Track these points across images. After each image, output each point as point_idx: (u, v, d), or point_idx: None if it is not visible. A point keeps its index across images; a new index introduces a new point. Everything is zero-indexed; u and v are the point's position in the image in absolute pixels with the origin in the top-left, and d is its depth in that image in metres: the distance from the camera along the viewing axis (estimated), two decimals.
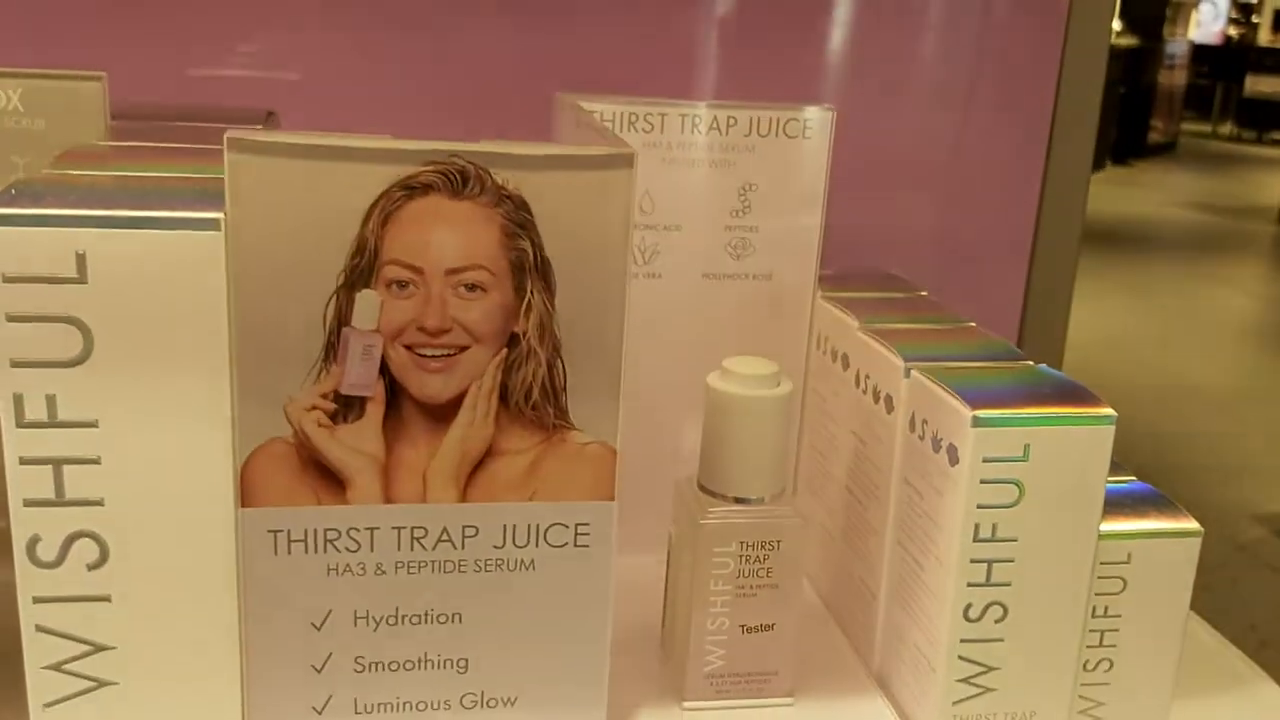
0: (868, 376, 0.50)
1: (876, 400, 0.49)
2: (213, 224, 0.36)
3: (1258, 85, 7.71)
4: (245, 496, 0.38)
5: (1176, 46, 7.47)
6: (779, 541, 0.46)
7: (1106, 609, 0.44)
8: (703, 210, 0.55)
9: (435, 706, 0.41)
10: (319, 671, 0.40)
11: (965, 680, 0.43)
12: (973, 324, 0.52)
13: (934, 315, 0.54)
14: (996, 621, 0.43)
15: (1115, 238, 5.25)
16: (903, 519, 0.47)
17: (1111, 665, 0.45)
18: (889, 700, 0.48)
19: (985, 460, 0.41)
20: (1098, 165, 6.39)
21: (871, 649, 0.50)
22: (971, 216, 0.81)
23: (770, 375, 0.46)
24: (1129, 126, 6.65)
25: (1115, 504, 0.45)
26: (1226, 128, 8.09)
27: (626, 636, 0.51)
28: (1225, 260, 4.71)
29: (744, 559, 0.46)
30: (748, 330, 0.55)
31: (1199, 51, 7.96)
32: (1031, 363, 0.47)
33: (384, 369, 0.38)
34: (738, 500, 0.46)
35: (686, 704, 0.47)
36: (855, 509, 0.51)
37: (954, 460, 0.42)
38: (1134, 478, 0.48)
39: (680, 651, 0.47)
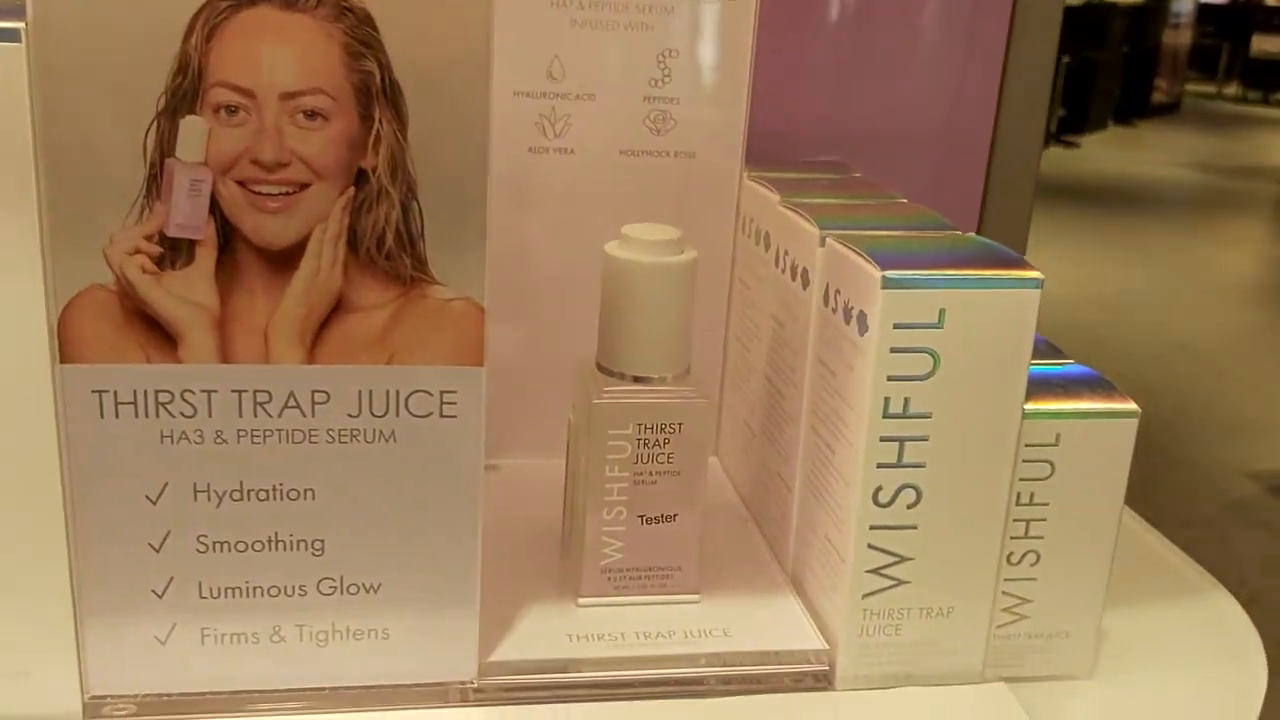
0: (787, 252, 0.46)
1: (794, 276, 0.45)
2: (11, 35, 0.32)
3: (1264, 45, 7.60)
4: (64, 351, 0.34)
5: (1182, 5, 7.35)
6: (680, 424, 0.42)
7: (1033, 496, 0.40)
8: (618, 79, 0.50)
9: (289, 592, 0.37)
10: (157, 551, 0.36)
11: (875, 571, 0.40)
12: (904, 200, 0.48)
13: (864, 192, 0.50)
14: (909, 507, 0.39)
15: (1116, 198, 5.19)
16: (816, 403, 0.43)
17: (1038, 559, 0.41)
18: (801, 598, 0.44)
19: (896, 326, 0.38)
20: (1099, 125, 6.33)
21: (786, 547, 0.46)
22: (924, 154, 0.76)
23: (672, 242, 0.42)
24: (1132, 86, 6.56)
25: (1047, 385, 0.41)
26: (1232, 88, 7.98)
27: (529, 538, 0.48)
28: (1227, 221, 4.65)
29: (642, 443, 0.42)
30: (668, 213, 0.51)
31: (1204, 10, 7.83)
32: (961, 232, 0.43)
33: (215, 208, 0.34)
34: (636, 379, 0.42)
35: (582, 600, 0.43)
36: (774, 399, 0.48)
37: (863, 328, 0.38)
38: (1073, 361, 0.44)
39: (577, 546, 0.44)
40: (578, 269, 0.51)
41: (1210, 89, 8.01)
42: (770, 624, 0.43)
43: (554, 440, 0.47)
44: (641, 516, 0.43)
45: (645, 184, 0.51)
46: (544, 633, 0.42)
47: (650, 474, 0.42)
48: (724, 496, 0.53)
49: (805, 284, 0.44)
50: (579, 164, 0.51)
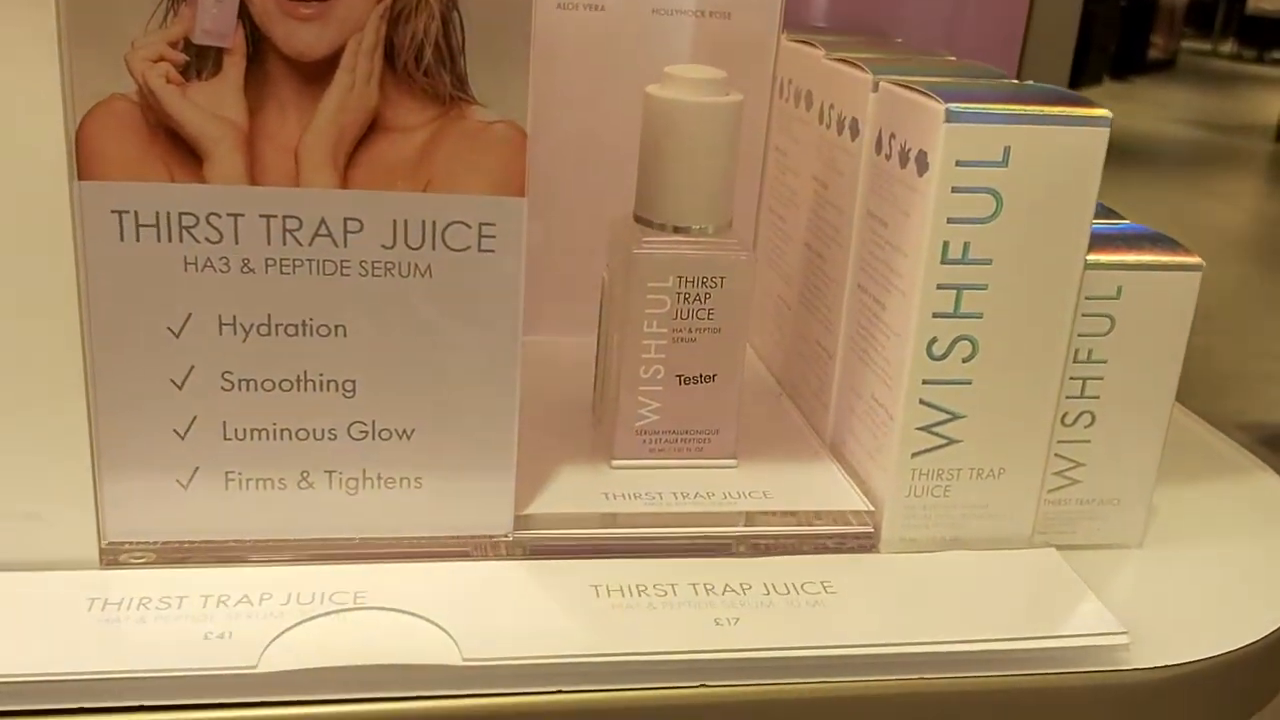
0: (832, 106, 0.44)
1: (841, 130, 0.43)
2: None
3: (1261, 3, 7.54)
4: (83, 166, 0.32)
5: None
6: (722, 279, 0.40)
7: (1090, 353, 0.39)
8: None
9: (318, 435, 0.36)
10: (179, 388, 0.34)
11: (926, 429, 0.38)
12: (951, 57, 0.46)
13: (909, 50, 0.47)
14: (964, 360, 0.38)
15: (1112, 152, 5.15)
16: (864, 260, 0.41)
17: (1093, 420, 0.40)
18: (843, 466, 0.43)
19: (958, 164, 0.36)
20: (1095, 80, 6.29)
21: (825, 418, 0.45)
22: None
23: (717, 82, 0.40)
24: (1128, 42, 6.52)
25: (1108, 239, 0.39)
26: (1227, 46, 7.94)
27: (559, 410, 0.46)
28: (1221, 176, 4.64)
29: (682, 297, 0.40)
30: None
31: None
32: (1020, 80, 0.41)
33: (244, 14, 0.32)
34: (677, 230, 0.40)
35: (616, 462, 0.42)
36: (814, 265, 0.46)
37: (923, 168, 0.36)
38: (1129, 221, 0.42)
39: (611, 407, 0.42)
40: (606, 132, 0.49)
41: (1206, 46, 7.96)
42: (811, 487, 0.41)
43: (583, 318, 0.45)
44: (680, 376, 0.41)
45: (677, 45, 0.49)
46: (579, 492, 0.40)
47: (689, 331, 0.41)
48: (756, 374, 0.51)
49: (854, 135, 0.42)
50: (609, 21, 0.49)
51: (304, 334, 0.35)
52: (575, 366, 0.47)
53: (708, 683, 0.34)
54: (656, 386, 0.41)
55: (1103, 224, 0.41)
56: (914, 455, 0.39)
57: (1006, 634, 0.35)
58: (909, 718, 0.35)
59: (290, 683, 0.31)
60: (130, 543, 0.36)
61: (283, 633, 0.33)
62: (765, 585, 0.37)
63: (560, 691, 0.33)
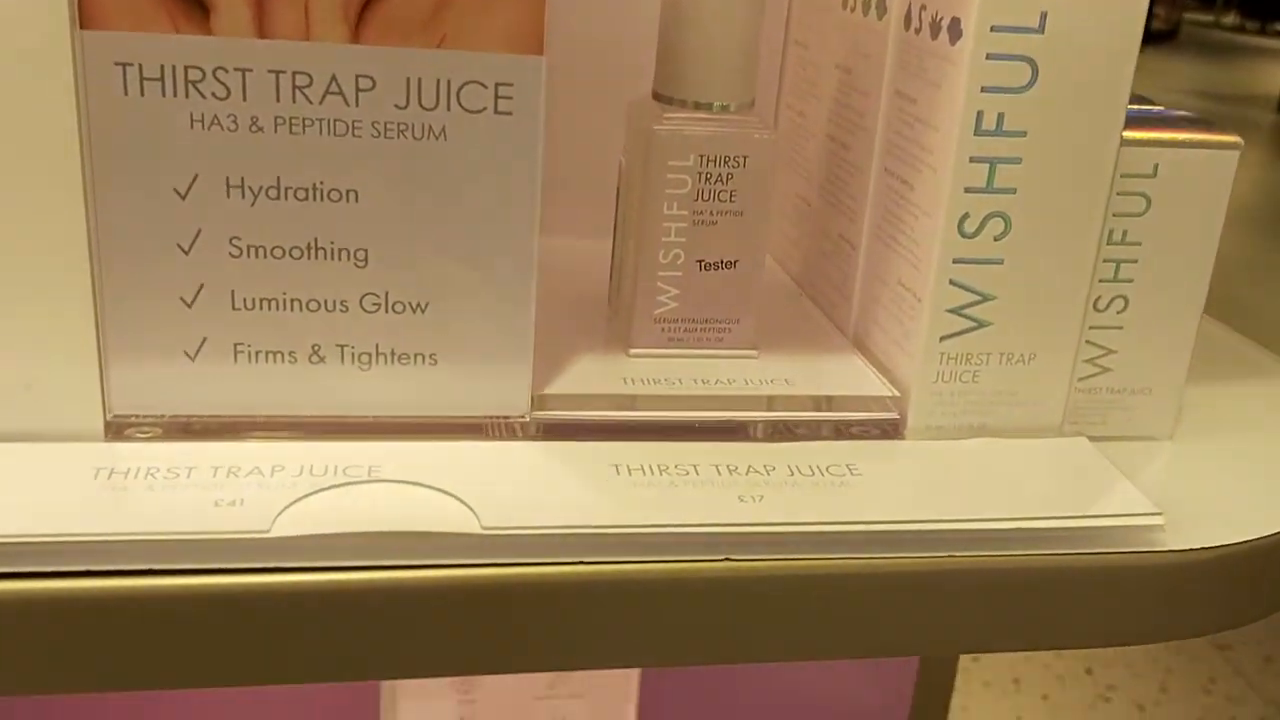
0: None
1: (866, 10, 0.42)
2: None
3: None
4: (84, 15, 0.31)
5: None
6: (745, 159, 0.39)
7: (1125, 234, 0.38)
8: None
9: (330, 306, 0.34)
10: (186, 253, 0.33)
11: (955, 311, 0.37)
12: None
13: None
14: (996, 238, 0.37)
15: None
16: (892, 141, 0.40)
17: (1126, 305, 0.39)
18: (867, 359, 0.42)
19: (993, 30, 0.34)
20: None
21: (848, 313, 0.44)
22: None
23: None
24: None
25: (1144, 118, 0.38)
26: (1230, 17, 7.89)
27: (571, 307, 0.45)
28: None
29: (703, 177, 0.39)
30: None
31: None
32: None
33: None
34: (698, 106, 0.39)
35: (634, 351, 0.41)
36: (837, 157, 0.45)
37: (955, 36, 0.35)
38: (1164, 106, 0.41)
39: (629, 295, 0.41)
40: (614, 29, 0.47)
41: (1208, 17, 7.92)
42: (835, 376, 0.40)
43: (597, 221, 0.44)
44: (700, 262, 0.40)
45: None
46: (596, 378, 0.39)
47: (710, 214, 0.39)
48: (775, 278, 0.50)
49: (881, 13, 0.40)
50: None
51: (314, 198, 0.33)
52: (590, 268, 0.46)
53: (732, 556, 0.33)
54: (676, 272, 0.40)
55: (1138, 108, 0.39)
56: (942, 339, 0.37)
57: (1038, 513, 0.34)
58: (938, 597, 0.34)
59: (305, 548, 0.30)
60: (136, 416, 0.34)
61: (296, 501, 0.31)
62: (789, 467, 0.36)
63: (582, 563, 0.32)
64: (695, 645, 0.33)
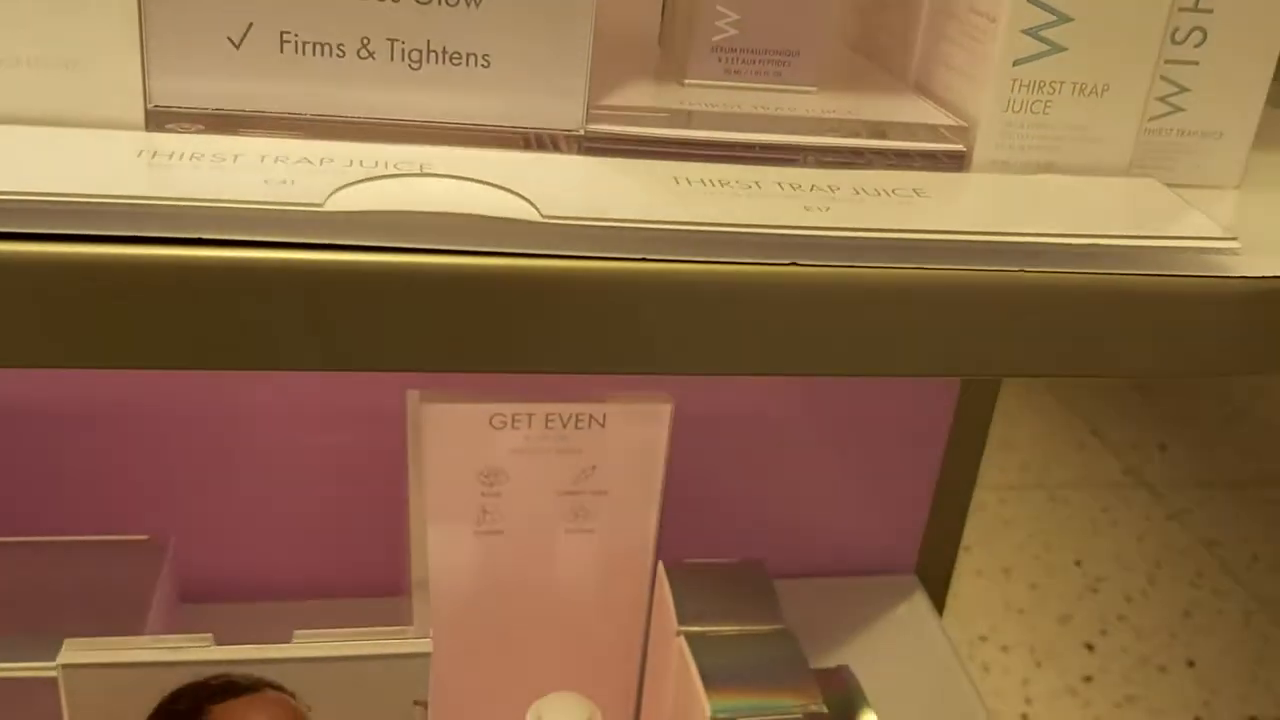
0: None
1: None
2: None
3: None
4: None
5: None
6: None
7: None
8: None
9: (395, 56, 0.33)
10: None
11: (1030, 32, 0.36)
12: None
13: None
14: None
15: None
16: None
17: (1204, 39, 0.37)
18: (931, 100, 0.40)
19: None
20: None
21: (909, 63, 0.42)
22: None
23: None
24: None
25: None
26: None
27: (619, 43, 0.43)
28: None
29: None
30: None
31: None
32: None
33: None
34: None
35: (689, 80, 0.39)
36: None
37: None
38: None
39: (685, 20, 0.39)
40: None
41: None
42: (898, 108, 0.39)
43: None
44: None
45: None
46: (652, 101, 0.37)
47: None
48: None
49: None
50: None
51: None
52: (636, 13, 0.44)
53: (799, 261, 0.32)
54: None
55: None
56: (1015, 63, 0.36)
57: (1112, 231, 0.33)
58: (1008, 312, 0.33)
59: (360, 224, 0.29)
60: (178, 107, 0.33)
61: (350, 184, 0.30)
62: (854, 188, 0.34)
63: (646, 259, 0.31)
64: (755, 353, 0.32)
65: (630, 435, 0.54)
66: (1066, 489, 1.78)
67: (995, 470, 1.80)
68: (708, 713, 0.47)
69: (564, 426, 0.53)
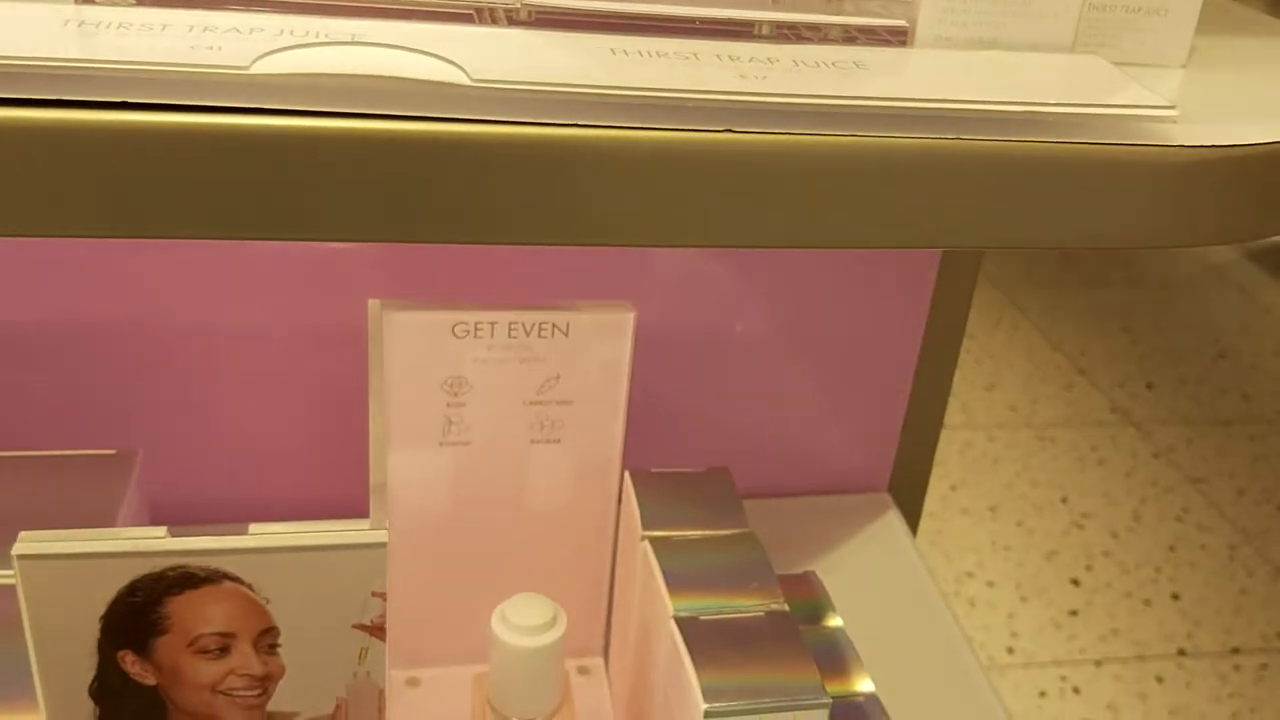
0: None
1: None
2: None
3: None
4: None
5: None
6: None
7: None
8: None
9: None
10: None
11: None
12: None
13: None
14: None
15: None
16: None
17: None
18: None
19: None
20: None
21: None
22: None
23: None
24: None
25: None
26: None
27: None
28: None
29: None
30: None
31: None
32: None
33: None
34: None
35: None
36: None
37: None
38: None
39: None
40: None
41: None
42: None
43: None
44: None
45: None
46: None
47: None
48: None
49: None
50: None
51: None
52: None
53: (734, 128, 0.31)
54: None
55: None
56: None
57: (1051, 98, 0.33)
58: (944, 183, 0.33)
59: (286, 88, 0.29)
60: None
61: (278, 50, 0.30)
62: (794, 60, 0.34)
63: (579, 125, 0.31)
64: (691, 224, 0.32)
65: (594, 344, 0.54)
66: (1054, 428, 1.79)
67: (982, 409, 1.81)
68: (670, 610, 0.47)
69: (527, 335, 0.53)
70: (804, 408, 0.72)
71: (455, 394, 0.54)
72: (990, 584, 1.49)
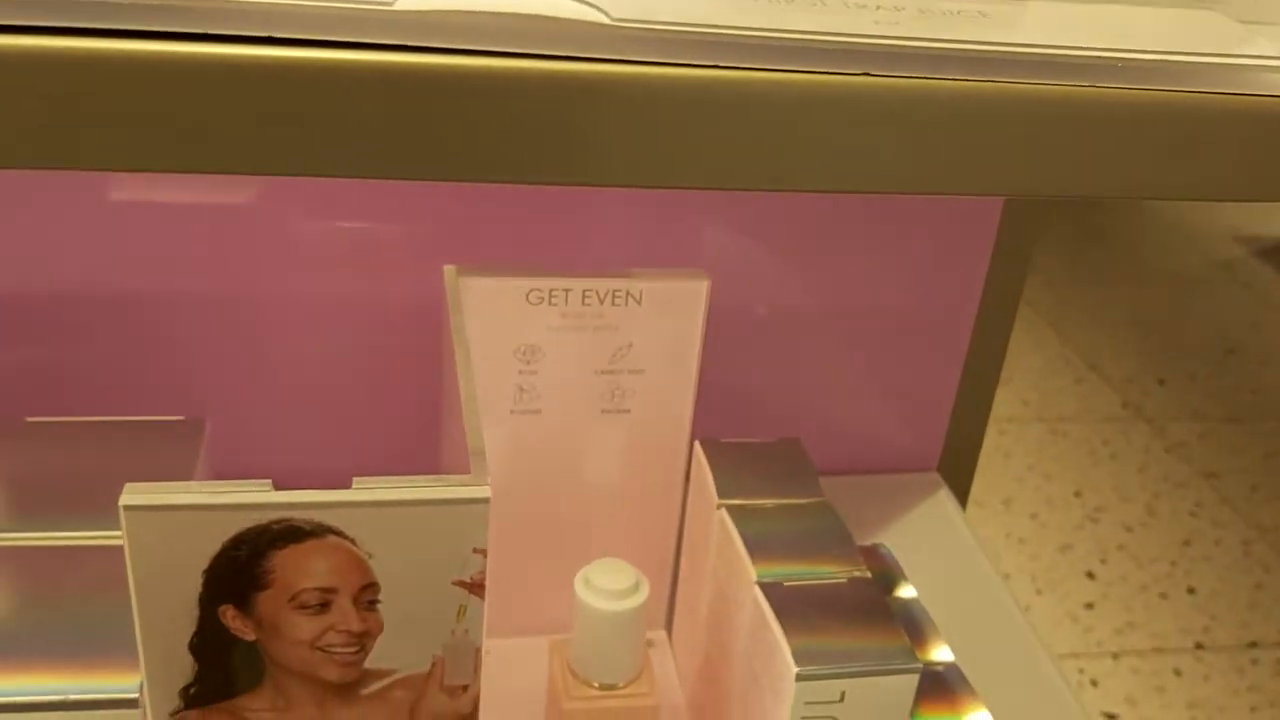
0: None
1: None
2: None
3: None
4: None
5: None
6: None
7: None
8: None
9: None
10: None
11: None
12: None
13: None
14: None
15: None
16: None
17: None
18: None
19: None
20: None
21: None
22: None
23: None
24: None
25: None
26: None
27: None
28: None
29: None
30: None
31: None
32: None
33: None
34: None
35: None
36: None
37: None
38: None
39: None
40: None
41: None
42: None
43: None
44: None
45: None
46: None
47: None
48: None
49: None
50: None
51: None
52: None
53: (872, 71, 0.31)
54: None
55: None
56: None
57: (1178, 48, 0.33)
58: (1078, 129, 0.33)
59: (426, 25, 0.29)
60: None
61: None
62: (919, 9, 0.34)
63: (719, 67, 0.30)
64: (826, 168, 0.32)
65: (667, 312, 0.54)
66: (1066, 422, 1.79)
67: (995, 404, 1.81)
68: (753, 577, 0.47)
69: (600, 302, 0.53)
70: (856, 386, 0.72)
71: (528, 362, 0.54)
72: (1005, 577, 1.49)
